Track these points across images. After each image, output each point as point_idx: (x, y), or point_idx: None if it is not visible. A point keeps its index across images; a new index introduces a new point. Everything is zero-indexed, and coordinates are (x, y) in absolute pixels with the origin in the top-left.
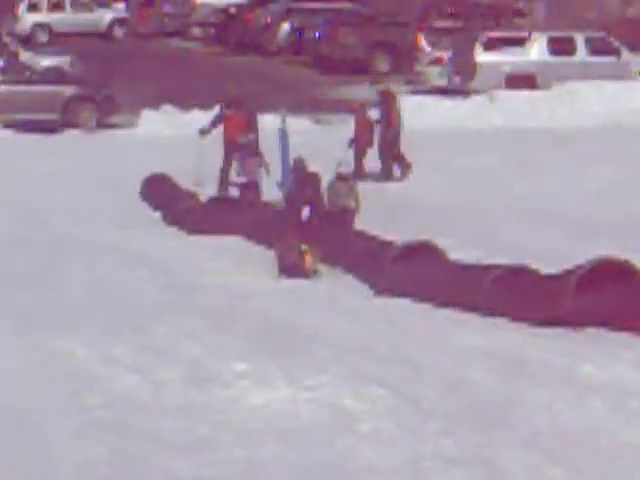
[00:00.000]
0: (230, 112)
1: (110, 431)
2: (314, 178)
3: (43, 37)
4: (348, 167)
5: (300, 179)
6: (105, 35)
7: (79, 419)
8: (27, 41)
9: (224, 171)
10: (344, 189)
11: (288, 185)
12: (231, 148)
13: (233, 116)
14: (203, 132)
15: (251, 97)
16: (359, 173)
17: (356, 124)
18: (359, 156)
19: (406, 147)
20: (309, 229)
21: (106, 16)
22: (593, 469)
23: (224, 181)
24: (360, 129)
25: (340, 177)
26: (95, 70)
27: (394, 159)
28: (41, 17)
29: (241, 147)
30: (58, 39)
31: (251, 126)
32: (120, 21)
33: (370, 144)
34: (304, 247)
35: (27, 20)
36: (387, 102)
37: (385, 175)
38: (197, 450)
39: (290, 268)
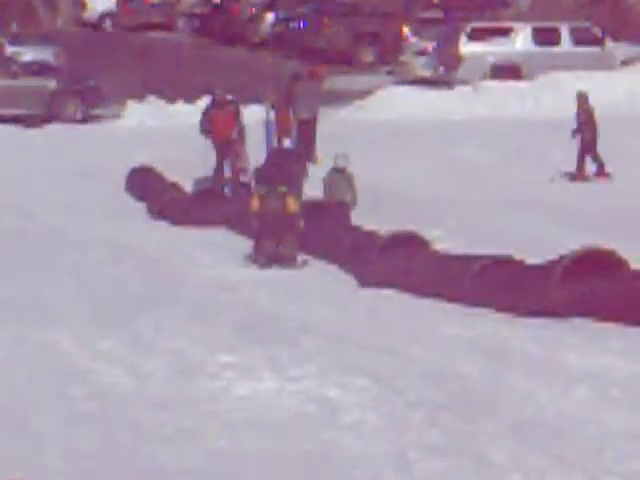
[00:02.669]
0: (216, 112)
1: (95, 423)
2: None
3: (109, 26)
4: (345, 160)
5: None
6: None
7: (64, 411)
8: (95, 29)
9: (218, 170)
10: (341, 181)
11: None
12: (223, 146)
13: (219, 115)
14: (206, 132)
15: (236, 89)
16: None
17: (277, 114)
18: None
19: (392, 137)
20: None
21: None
22: (578, 458)
23: (220, 179)
24: (281, 118)
25: (337, 169)
26: (80, 62)
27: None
28: (110, 5)
29: (232, 143)
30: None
31: (237, 121)
32: None
33: (289, 133)
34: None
35: (95, 9)
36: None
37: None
38: (182, 441)
39: (267, 258)
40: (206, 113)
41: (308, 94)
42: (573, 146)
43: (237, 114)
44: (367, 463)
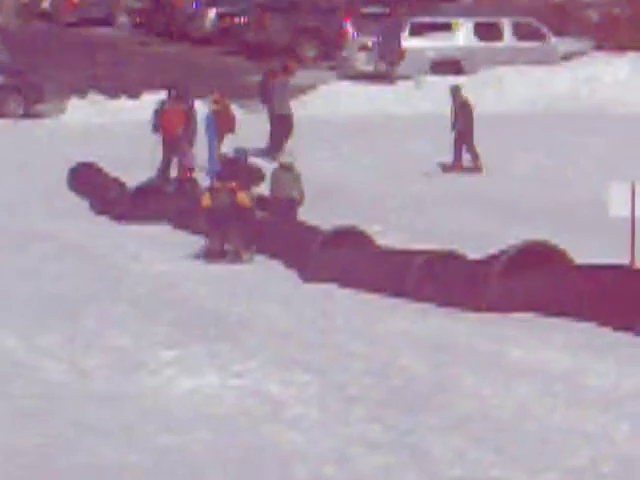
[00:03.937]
0: (168, 107)
1: (36, 419)
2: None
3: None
4: (291, 156)
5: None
6: None
7: (3, 407)
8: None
9: (165, 165)
10: (288, 179)
11: (213, 170)
12: (171, 143)
13: (170, 111)
14: (157, 129)
15: (180, 85)
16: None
17: (216, 113)
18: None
19: (335, 133)
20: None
21: None
22: (520, 453)
23: (164, 175)
24: (222, 117)
25: (283, 166)
26: (22, 58)
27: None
28: None
29: (180, 139)
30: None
31: (190, 117)
32: None
33: (231, 130)
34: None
35: None
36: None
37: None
38: (123, 437)
39: (215, 253)
40: (159, 108)
41: (282, 89)
42: (512, 141)
43: (189, 111)
44: (308, 458)
